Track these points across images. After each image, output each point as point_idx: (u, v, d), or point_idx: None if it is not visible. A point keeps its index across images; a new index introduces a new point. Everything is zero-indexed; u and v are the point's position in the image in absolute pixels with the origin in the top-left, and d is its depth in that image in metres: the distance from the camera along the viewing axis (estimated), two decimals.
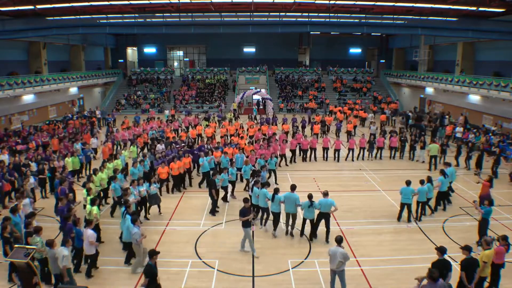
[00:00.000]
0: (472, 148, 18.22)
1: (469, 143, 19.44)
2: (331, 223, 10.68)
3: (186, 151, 15.44)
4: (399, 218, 11.96)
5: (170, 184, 14.51)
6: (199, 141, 21.29)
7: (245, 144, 17.51)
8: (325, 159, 19.13)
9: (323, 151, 19.20)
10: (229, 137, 20.62)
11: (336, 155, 18.92)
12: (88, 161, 16.57)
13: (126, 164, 15.30)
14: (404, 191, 11.59)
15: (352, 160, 19.12)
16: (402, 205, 11.75)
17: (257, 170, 13.32)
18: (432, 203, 12.61)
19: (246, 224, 9.71)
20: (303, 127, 24.62)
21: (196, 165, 16.19)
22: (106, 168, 13.16)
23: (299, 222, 10.97)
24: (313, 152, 19.03)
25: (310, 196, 10.36)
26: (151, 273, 7.12)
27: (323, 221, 10.49)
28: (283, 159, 17.95)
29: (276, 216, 10.81)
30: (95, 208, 9.64)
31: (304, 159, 18.96)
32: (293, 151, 18.49)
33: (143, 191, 11.36)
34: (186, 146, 17.23)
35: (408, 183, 11.64)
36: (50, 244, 7.68)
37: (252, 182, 11.85)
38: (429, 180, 12.08)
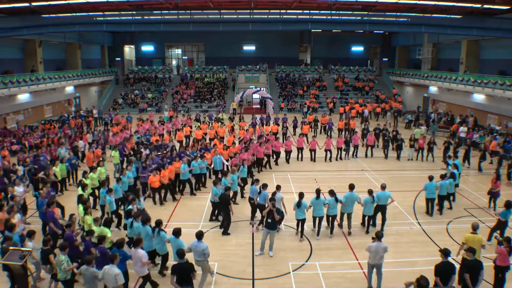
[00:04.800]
0: (459, 143, 18.51)
1: (455, 138, 19.76)
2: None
3: (172, 157, 14.39)
4: (430, 213, 12.19)
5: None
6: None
7: (223, 147, 16.11)
8: (299, 159, 18.75)
9: (297, 151, 18.70)
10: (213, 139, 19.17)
11: (313, 156, 18.57)
12: (74, 169, 15.12)
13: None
14: (428, 187, 11.82)
15: (330, 160, 18.71)
16: (428, 201, 12.06)
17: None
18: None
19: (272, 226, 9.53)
20: (294, 127, 24.01)
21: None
22: (89, 179, 12.18)
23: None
24: (288, 154, 18.32)
25: (370, 191, 10.67)
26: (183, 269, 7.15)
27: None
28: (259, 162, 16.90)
29: (334, 218, 10.80)
30: (108, 230, 8.80)
31: (276, 162, 18.18)
32: (268, 156, 17.40)
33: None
34: (169, 152, 15.72)
35: (431, 178, 11.94)
36: (88, 261, 7.05)
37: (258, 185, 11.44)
38: (452, 175, 12.46)
